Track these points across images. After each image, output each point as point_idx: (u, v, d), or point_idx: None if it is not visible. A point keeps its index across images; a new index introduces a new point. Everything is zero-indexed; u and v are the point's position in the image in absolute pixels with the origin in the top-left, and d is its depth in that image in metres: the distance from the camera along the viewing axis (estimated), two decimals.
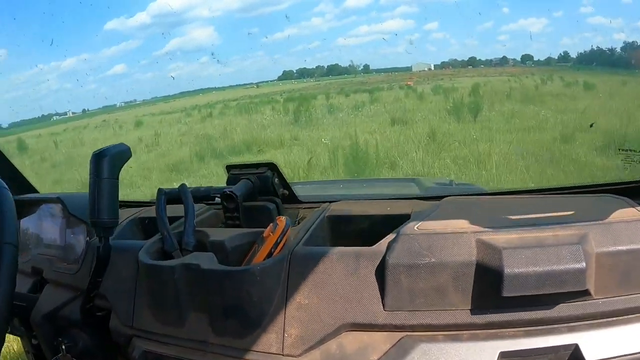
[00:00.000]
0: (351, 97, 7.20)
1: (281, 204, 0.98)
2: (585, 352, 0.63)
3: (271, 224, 0.79)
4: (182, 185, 0.91)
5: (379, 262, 0.70)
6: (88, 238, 1.03)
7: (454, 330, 0.67)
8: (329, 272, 0.72)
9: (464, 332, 0.66)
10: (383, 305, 0.68)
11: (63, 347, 0.96)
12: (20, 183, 1.39)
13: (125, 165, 0.86)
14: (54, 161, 6.29)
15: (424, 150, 4.12)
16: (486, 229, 0.70)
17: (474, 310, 0.66)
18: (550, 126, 4.35)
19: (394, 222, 0.79)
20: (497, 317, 0.65)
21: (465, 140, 4.22)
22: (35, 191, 1.42)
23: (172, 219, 0.90)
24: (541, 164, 3.41)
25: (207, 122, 7.57)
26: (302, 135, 5.51)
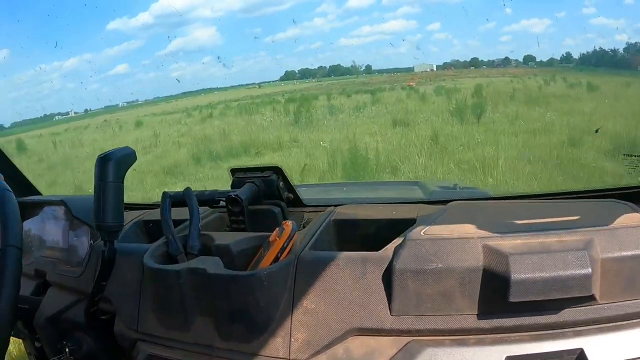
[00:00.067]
0: (353, 98, 7.18)
1: (286, 207, 0.98)
2: (590, 356, 0.63)
3: (277, 228, 0.79)
4: (187, 189, 0.91)
5: (385, 267, 0.70)
6: (92, 241, 1.03)
7: (461, 335, 0.67)
8: (336, 277, 0.72)
9: (471, 336, 0.67)
10: (390, 310, 0.68)
11: (67, 350, 0.96)
12: (22, 185, 1.39)
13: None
14: (50, 162, 6.26)
15: (426, 154, 4.06)
16: (492, 235, 0.70)
17: (481, 315, 0.66)
18: (556, 129, 4.28)
19: (400, 227, 0.79)
20: (503, 322, 0.66)
21: (469, 143, 4.15)
22: (38, 193, 1.42)
23: (176, 222, 0.90)
24: (550, 170, 3.36)
25: (207, 123, 7.56)
26: (301, 137, 5.47)
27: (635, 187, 0.89)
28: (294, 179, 1.02)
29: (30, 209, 1.23)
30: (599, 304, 0.65)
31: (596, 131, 4.01)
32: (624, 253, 0.66)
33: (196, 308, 0.77)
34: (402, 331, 0.68)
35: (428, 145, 4.31)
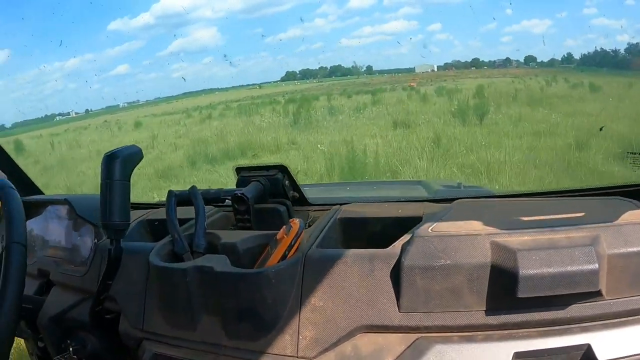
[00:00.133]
0: (353, 99, 7.16)
1: (291, 206, 0.98)
2: (597, 352, 0.64)
3: (284, 226, 0.79)
4: (193, 187, 0.91)
5: (393, 264, 0.70)
6: (96, 240, 1.03)
7: (469, 332, 0.67)
8: (344, 274, 0.72)
9: (479, 333, 0.67)
10: (398, 307, 0.69)
11: (70, 349, 0.96)
12: (25, 184, 1.38)
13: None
14: (46, 164, 6.20)
15: (428, 157, 3.98)
16: (500, 231, 0.70)
17: (489, 312, 0.67)
18: (561, 131, 4.20)
19: (406, 225, 0.79)
20: (511, 318, 0.66)
21: (472, 146, 4.07)
22: (40, 192, 1.42)
23: (181, 222, 0.90)
24: (557, 175, 3.30)
25: (206, 124, 7.52)
26: (300, 138, 5.42)
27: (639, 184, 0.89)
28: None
29: (33, 209, 1.23)
30: (606, 300, 0.65)
31: (600, 129, 3.96)
32: (630, 249, 0.66)
33: (203, 306, 0.77)
34: (410, 328, 0.68)
35: (429, 147, 4.23)
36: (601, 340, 0.64)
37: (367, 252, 0.73)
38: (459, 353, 0.65)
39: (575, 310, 0.65)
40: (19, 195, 0.84)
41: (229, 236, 0.85)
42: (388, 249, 0.73)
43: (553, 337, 0.65)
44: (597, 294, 0.65)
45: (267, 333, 0.72)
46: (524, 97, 5.77)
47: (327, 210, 0.97)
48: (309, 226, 0.90)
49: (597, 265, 0.63)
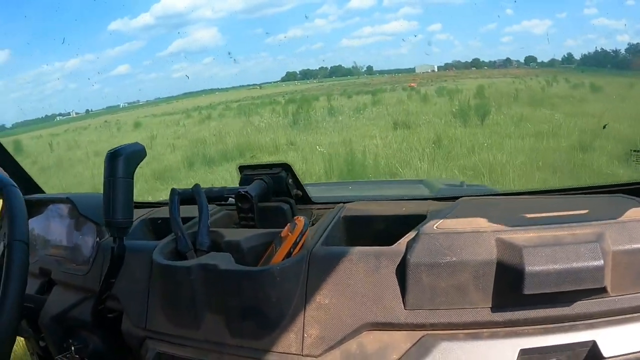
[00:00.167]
0: (353, 99, 7.14)
1: (295, 204, 0.98)
2: (602, 348, 0.64)
3: (289, 224, 0.78)
4: (196, 185, 0.90)
5: (399, 261, 0.70)
6: (98, 239, 1.02)
7: (475, 329, 0.67)
8: (349, 272, 0.71)
9: (485, 330, 0.67)
10: (404, 304, 0.68)
11: (72, 348, 0.95)
12: (27, 183, 1.38)
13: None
14: (43, 164, 6.14)
15: (428, 158, 3.92)
16: (505, 228, 0.70)
17: (494, 309, 0.67)
18: (564, 132, 4.15)
19: (411, 222, 0.79)
20: (517, 314, 0.66)
21: (474, 147, 4.01)
22: (42, 191, 1.41)
23: (184, 220, 0.90)
24: (561, 177, 3.26)
25: (205, 125, 7.49)
26: (299, 139, 5.38)
27: None
28: None
29: (35, 207, 1.23)
30: (611, 297, 0.65)
31: (604, 127, 3.93)
32: (635, 246, 0.67)
33: (206, 305, 0.77)
34: (416, 325, 0.68)
35: (430, 148, 4.17)
36: (606, 337, 0.64)
37: (373, 249, 0.73)
38: (464, 350, 0.65)
39: (581, 306, 0.65)
40: (20, 193, 0.83)
41: (232, 234, 0.85)
42: (393, 246, 0.72)
43: (558, 333, 0.65)
44: (603, 291, 0.65)
45: (272, 331, 0.72)
46: (525, 97, 5.75)
47: (330, 208, 0.97)
48: (313, 224, 0.90)
49: (602, 262, 0.63)
